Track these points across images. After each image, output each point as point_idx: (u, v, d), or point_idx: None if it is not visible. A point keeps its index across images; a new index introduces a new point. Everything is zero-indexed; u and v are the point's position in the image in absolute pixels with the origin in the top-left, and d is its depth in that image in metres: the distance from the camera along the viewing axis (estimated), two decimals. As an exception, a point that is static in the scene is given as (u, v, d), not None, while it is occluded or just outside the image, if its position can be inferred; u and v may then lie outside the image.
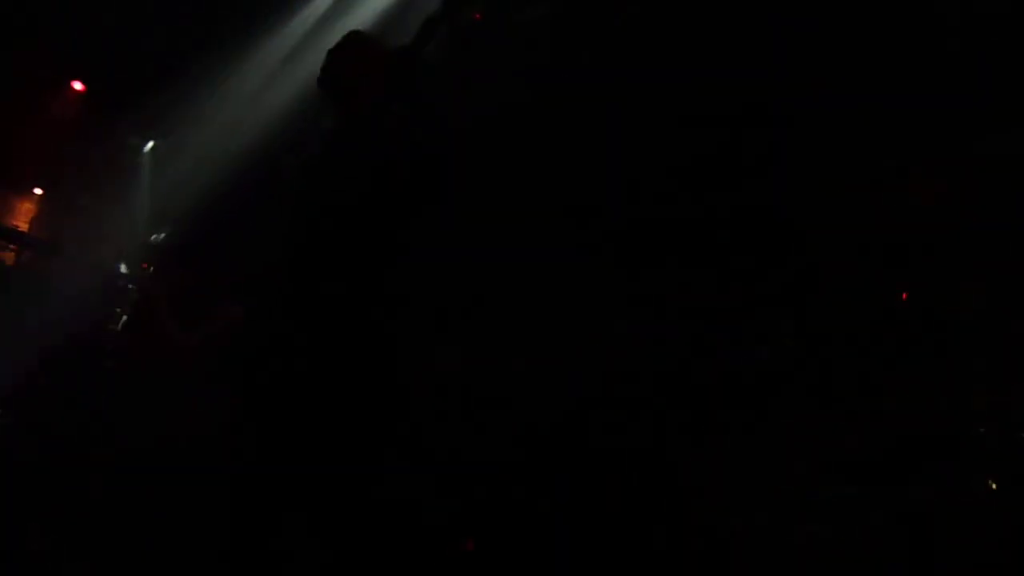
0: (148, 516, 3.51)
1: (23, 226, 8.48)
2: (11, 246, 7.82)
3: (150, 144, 7.70)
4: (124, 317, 4.98)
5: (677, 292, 3.64)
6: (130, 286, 5.11)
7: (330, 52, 2.69)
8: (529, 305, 4.66)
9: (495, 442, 3.97)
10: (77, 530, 3.66)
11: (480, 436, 4.03)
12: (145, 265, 4.96)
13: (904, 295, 2.75)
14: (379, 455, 2.46)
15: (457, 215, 2.77)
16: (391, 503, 2.54)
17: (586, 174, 4.73)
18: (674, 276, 3.83)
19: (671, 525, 2.88)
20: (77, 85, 8.04)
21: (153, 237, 6.19)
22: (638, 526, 2.92)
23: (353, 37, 2.71)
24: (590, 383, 3.76)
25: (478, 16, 6.61)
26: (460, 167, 2.67)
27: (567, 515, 3.25)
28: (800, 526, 2.65)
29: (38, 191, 8.80)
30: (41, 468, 4.06)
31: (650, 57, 4.69)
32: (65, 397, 4.69)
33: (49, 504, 3.83)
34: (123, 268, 5.46)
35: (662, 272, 3.94)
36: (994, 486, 2.41)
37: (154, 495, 3.55)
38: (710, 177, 4.20)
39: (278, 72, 6.84)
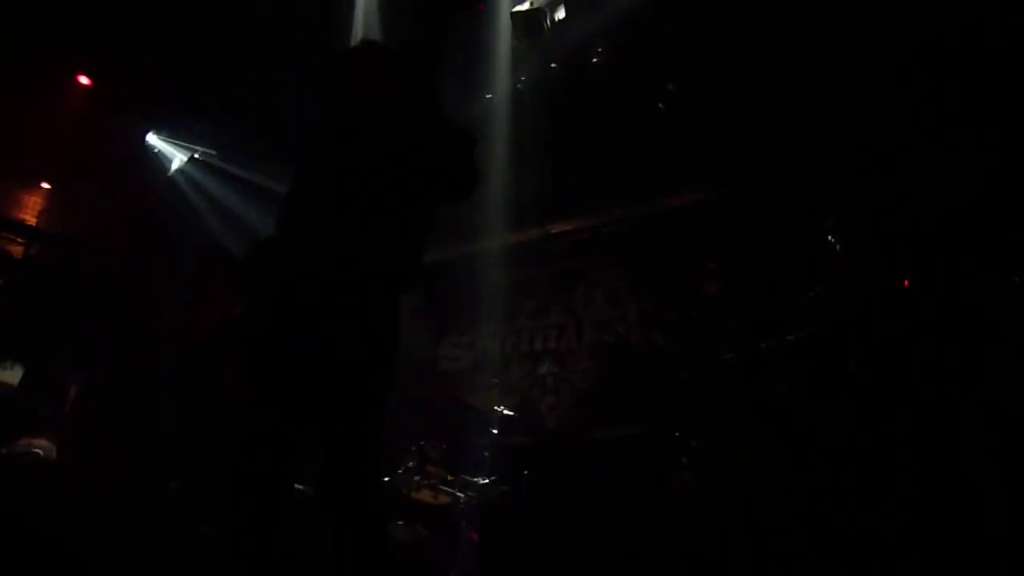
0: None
1: (31, 220, 8.51)
2: (19, 239, 7.87)
3: (152, 135, 7.73)
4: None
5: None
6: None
7: (337, 53, 2.71)
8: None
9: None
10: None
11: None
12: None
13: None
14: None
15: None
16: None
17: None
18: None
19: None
20: (83, 79, 8.05)
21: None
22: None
23: (363, 42, 2.74)
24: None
25: (480, 7, 6.62)
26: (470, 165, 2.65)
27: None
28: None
29: (45, 185, 8.82)
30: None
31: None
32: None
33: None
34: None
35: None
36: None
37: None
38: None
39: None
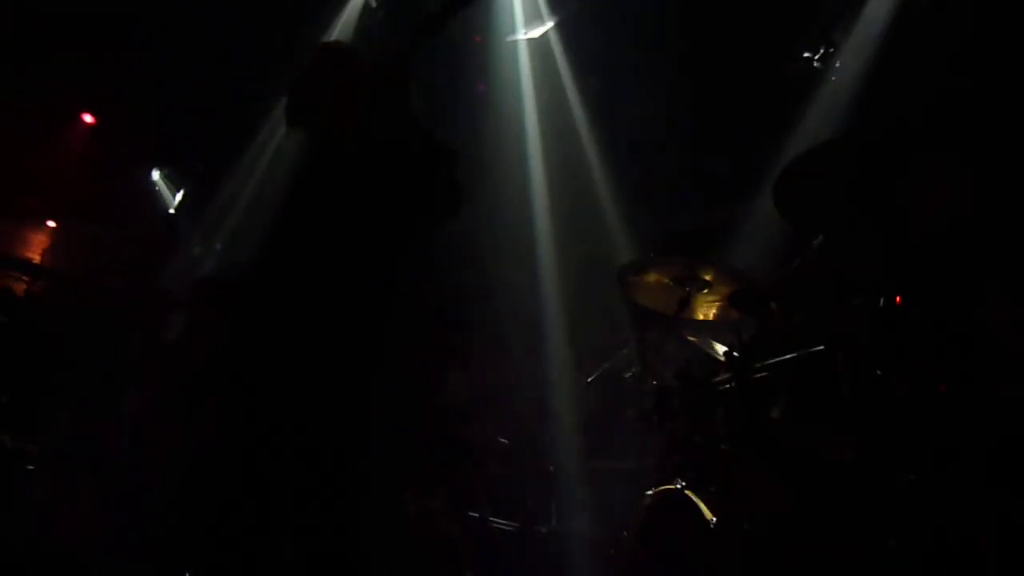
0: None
1: (36, 257, 8.58)
2: (23, 277, 7.90)
3: (157, 173, 7.77)
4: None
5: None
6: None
7: (305, 67, 2.67)
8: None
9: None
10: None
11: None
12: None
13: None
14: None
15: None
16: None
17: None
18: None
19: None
20: (87, 117, 8.16)
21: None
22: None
23: (328, 49, 2.67)
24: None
25: (478, 39, 6.67)
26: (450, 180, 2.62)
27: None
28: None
29: (51, 223, 8.90)
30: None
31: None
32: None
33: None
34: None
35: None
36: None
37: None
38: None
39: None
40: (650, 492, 3.08)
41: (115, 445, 4.20)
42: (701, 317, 3.67)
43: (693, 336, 3.75)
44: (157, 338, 5.14)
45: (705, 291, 3.58)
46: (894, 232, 2.75)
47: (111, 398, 5.09)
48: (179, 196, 8.31)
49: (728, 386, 3.12)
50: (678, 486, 2.95)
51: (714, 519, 2.74)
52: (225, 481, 2.43)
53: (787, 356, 2.84)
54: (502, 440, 4.60)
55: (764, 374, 2.93)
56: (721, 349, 3.64)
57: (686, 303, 3.58)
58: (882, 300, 2.64)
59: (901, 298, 2.62)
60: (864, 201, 2.77)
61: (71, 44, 7.14)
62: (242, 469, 2.40)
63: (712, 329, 3.77)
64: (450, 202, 2.61)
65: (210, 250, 6.11)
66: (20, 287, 7.66)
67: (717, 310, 3.63)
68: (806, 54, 4.91)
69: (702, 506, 2.80)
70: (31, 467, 4.47)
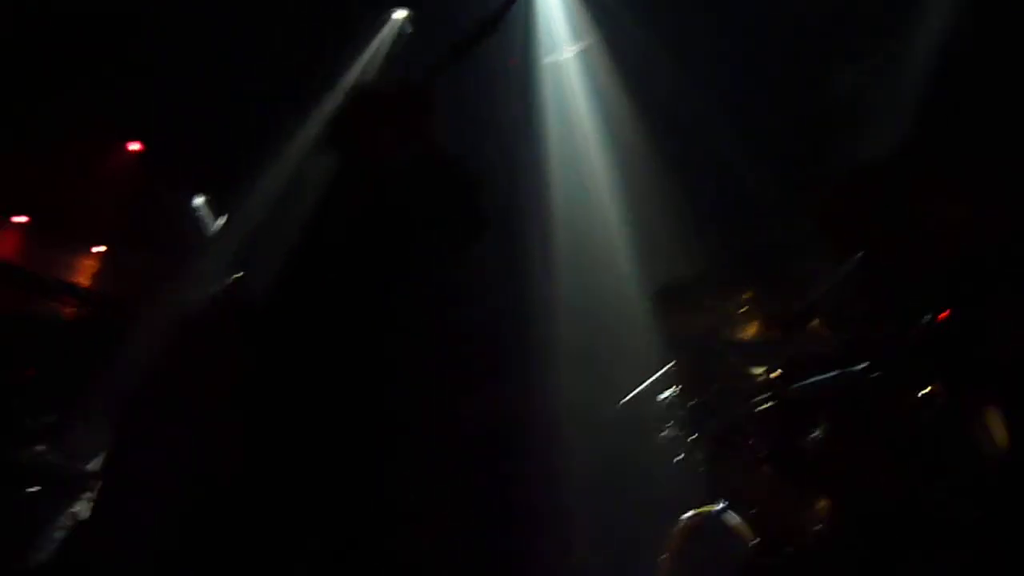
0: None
1: (84, 282, 8.78)
2: (73, 301, 8.10)
3: (201, 199, 7.92)
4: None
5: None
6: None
7: (341, 107, 2.71)
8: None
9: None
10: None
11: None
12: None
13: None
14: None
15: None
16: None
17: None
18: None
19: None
20: (134, 145, 8.36)
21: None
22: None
23: (361, 90, 2.72)
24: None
25: (513, 61, 6.72)
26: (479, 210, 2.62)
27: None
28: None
29: (99, 249, 9.12)
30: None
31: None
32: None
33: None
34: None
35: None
36: None
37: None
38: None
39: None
40: (687, 516, 3.03)
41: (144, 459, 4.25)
42: (740, 337, 3.61)
43: (730, 357, 3.70)
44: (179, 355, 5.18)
45: (744, 310, 3.52)
46: (938, 248, 2.68)
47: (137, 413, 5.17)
48: (220, 221, 8.46)
49: (767, 406, 3.07)
50: (716, 509, 2.89)
51: (755, 541, 2.68)
52: (250, 498, 2.44)
53: (829, 375, 2.78)
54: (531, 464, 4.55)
55: (806, 394, 2.86)
56: (759, 370, 3.58)
57: (724, 323, 3.53)
58: (927, 317, 2.58)
59: (947, 315, 2.55)
60: (906, 217, 2.72)
61: (116, 72, 7.35)
62: (266, 486, 2.41)
63: (750, 349, 3.71)
64: (471, 229, 2.61)
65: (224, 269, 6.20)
66: (70, 311, 7.85)
67: (756, 330, 3.57)
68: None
69: (742, 529, 2.74)
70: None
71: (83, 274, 8.94)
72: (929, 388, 2.57)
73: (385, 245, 2.47)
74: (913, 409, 2.61)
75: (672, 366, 3.69)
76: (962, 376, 2.53)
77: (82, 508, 4.69)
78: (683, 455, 3.37)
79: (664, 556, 3.03)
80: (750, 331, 3.63)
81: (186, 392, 4.17)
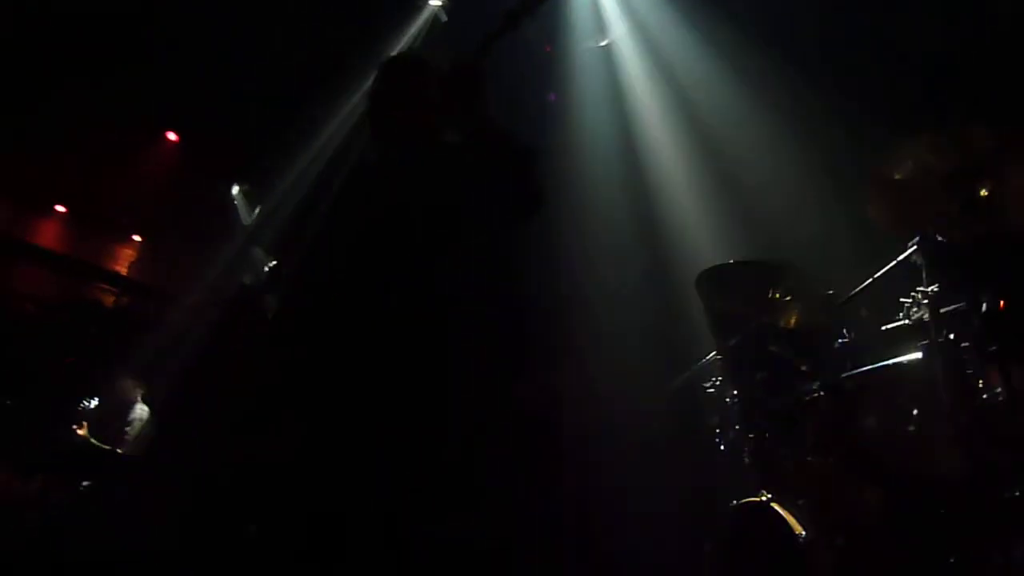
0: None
1: (123, 271, 8.91)
2: (112, 289, 8.23)
3: (236, 189, 7.94)
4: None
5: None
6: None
7: (382, 74, 2.69)
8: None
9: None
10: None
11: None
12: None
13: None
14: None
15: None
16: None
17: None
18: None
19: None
20: (171, 135, 8.44)
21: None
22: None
23: (404, 58, 2.70)
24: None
25: (548, 48, 6.66)
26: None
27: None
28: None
29: (137, 237, 9.23)
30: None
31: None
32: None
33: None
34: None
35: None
36: None
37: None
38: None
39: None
40: (734, 505, 2.98)
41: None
42: (785, 324, 3.54)
43: (774, 345, 3.64)
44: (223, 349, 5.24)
45: (789, 297, 3.46)
46: (994, 233, 2.61)
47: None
48: (256, 211, 8.50)
49: (816, 395, 3.01)
50: (764, 498, 2.84)
51: (804, 533, 2.63)
52: (305, 496, 2.42)
53: (881, 364, 2.72)
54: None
55: (856, 383, 2.81)
56: (803, 358, 3.52)
57: (769, 309, 3.47)
58: (984, 304, 2.51)
59: (1005, 302, 2.49)
60: (961, 201, 2.65)
61: (154, 62, 7.41)
62: (321, 484, 2.39)
63: (796, 337, 3.65)
64: (528, 203, 2.57)
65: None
66: (109, 299, 7.98)
67: (801, 317, 3.51)
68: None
69: (791, 520, 2.70)
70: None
71: (122, 263, 9.06)
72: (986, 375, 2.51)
73: (435, 225, 2.44)
74: (969, 396, 2.56)
75: (716, 354, 3.64)
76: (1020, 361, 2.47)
77: (119, 492, 4.76)
78: (729, 444, 3.32)
79: (711, 546, 2.99)
80: (793, 319, 3.57)
81: (225, 381, 4.22)
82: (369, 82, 2.72)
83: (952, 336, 2.55)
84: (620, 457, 4.16)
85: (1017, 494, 2.48)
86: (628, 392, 4.30)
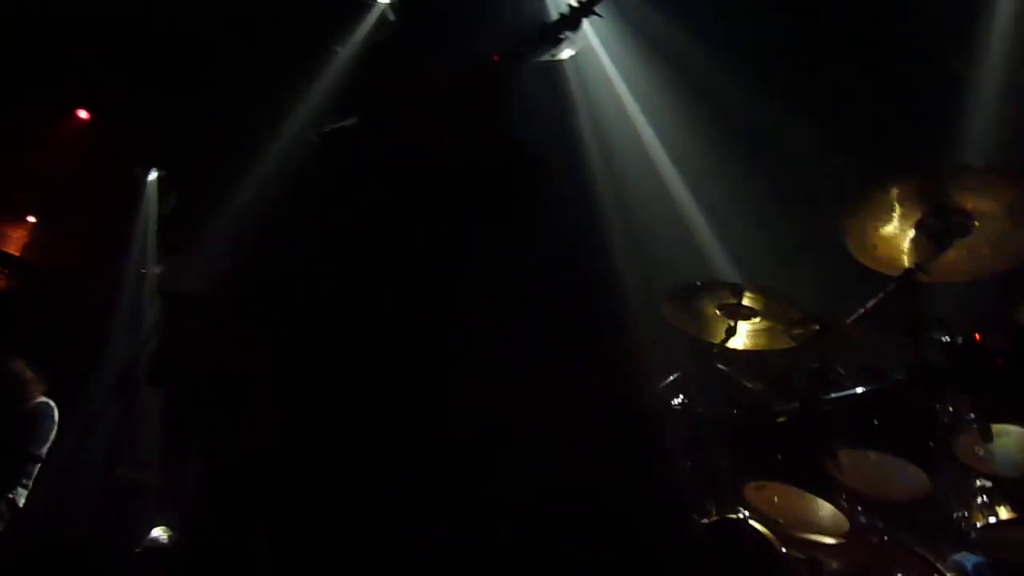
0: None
1: (15, 252, 8.28)
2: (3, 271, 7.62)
3: (153, 174, 7.54)
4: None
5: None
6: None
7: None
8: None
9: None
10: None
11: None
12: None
13: None
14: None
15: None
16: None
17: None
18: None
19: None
20: (82, 113, 7.93)
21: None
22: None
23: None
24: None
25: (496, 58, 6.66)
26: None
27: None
28: None
29: (31, 219, 8.61)
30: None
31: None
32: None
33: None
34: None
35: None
36: None
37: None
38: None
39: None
40: (707, 520, 3.02)
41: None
42: (749, 346, 3.64)
43: (724, 366, 3.73)
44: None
45: (755, 320, 3.55)
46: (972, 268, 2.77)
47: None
48: (171, 199, 8.09)
49: (784, 419, 3.09)
50: (742, 515, 2.89)
51: (784, 549, 2.69)
52: (289, 486, 2.33)
53: (861, 390, 2.83)
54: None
55: (833, 407, 2.90)
56: (752, 382, 3.63)
57: (733, 332, 3.55)
58: (961, 337, 2.65)
59: (980, 335, 2.63)
60: (939, 239, 2.79)
61: (71, 39, 6.95)
62: (306, 473, 2.30)
63: (746, 361, 3.75)
64: (536, 215, 2.56)
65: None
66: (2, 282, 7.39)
67: (766, 340, 3.60)
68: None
69: (770, 536, 2.76)
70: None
71: (13, 244, 8.41)
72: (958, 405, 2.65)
73: (446, 234, 2.39)
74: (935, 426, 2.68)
75: (680, 373, 3.69)
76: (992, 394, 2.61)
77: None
78: (696, 460, 3.37)
79: (684, 558, 3.01)
80: (760, 341, 3.66)
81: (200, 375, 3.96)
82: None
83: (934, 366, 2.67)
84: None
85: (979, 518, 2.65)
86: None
